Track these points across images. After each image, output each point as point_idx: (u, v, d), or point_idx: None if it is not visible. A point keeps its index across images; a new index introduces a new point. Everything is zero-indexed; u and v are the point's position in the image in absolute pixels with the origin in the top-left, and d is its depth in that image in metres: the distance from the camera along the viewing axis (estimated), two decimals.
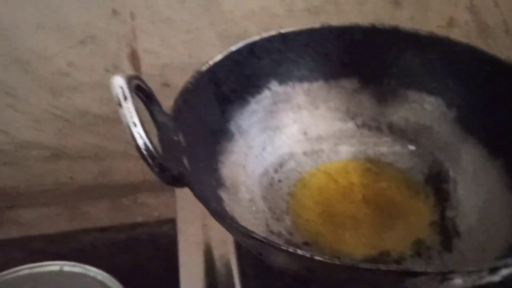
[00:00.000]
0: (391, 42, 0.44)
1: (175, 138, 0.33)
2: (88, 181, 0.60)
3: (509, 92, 0.40)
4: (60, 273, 0.49)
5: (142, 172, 0.60)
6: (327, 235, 0.39)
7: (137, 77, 0.31)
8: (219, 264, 0.40)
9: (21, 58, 0.51)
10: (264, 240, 0.27)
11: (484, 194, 0.39)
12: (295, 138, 0.45)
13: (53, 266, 0.49)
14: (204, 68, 0.40)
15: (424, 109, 0.44)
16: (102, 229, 0.58)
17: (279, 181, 0.42)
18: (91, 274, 0.48)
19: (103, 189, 0.60)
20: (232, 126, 0.42)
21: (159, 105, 0.34)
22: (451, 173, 0.42)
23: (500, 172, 0.39)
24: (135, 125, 0.28)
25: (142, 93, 0.33)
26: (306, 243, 0.38)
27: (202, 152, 0.37)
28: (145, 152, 0.28)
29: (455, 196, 0.40)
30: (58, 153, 0.57)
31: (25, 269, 0.49)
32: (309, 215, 0.40)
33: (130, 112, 0.28)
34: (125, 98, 0.28)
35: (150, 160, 0.29)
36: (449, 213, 0.39)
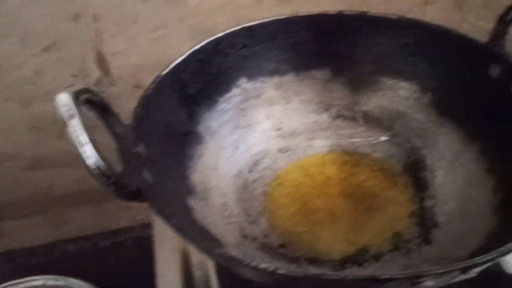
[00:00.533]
0: (360, 29, 0.43)
1: (135, 149, 0.32)
2: (68, 189, 0.59)
3: (484, 73, 0.38)
4: (44, 287, 0.48)
5: None
6: (304, 234, 0.38)
7: (87, 90, 0.30)
8: (197, 272, 0.39)
9: None
10: (224, 256, 0.26)
11: (462, 181, 0.38)
12: (268, 134, 0.43)
13: (36, 281, 0.48)
14: (165, 71, 0.38)
15: (398, 95, 0.43)
16: (86, 237, 0.57)
17: (254, 181, 0.41)
18: (75, 287, 0.48)
19: (85, 195, 0.59)
20: (201, 129, 0.40)
21: (116, 116, 0.33)
22: (429, 160, 0.40)
23: (477, 156, 0.38)
24: (81, 144, 0.26)
25: (96, 106, 0.31)
26: (282, 245, 0.37)
27: (168, 160, 0.36)
28: (95, 172, 0.27)
29: (434, 184, 0.39)
30: (34, 163, 0.56)
31: (8, 286, 0.48)
32: (286, 214, 0.39)
33: (75, 131, 0.26)
34: (70, 117, 0.26)
35: (102, 180, 0.27)
36: (428, 203, 0.38)
